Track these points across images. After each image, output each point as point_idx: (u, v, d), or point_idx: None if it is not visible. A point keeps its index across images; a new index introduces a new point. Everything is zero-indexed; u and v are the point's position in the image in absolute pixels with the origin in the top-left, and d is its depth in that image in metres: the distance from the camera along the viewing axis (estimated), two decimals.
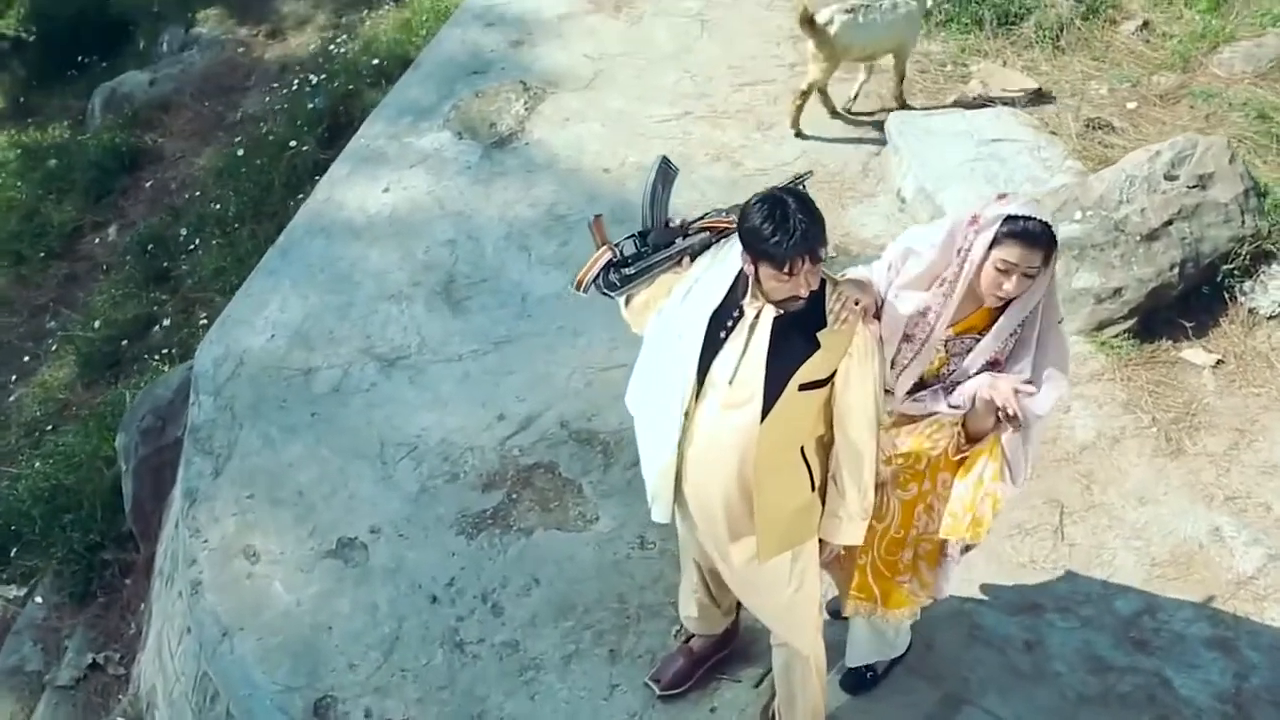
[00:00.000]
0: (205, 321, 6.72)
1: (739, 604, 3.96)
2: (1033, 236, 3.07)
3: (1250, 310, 5.60)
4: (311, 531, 4.84)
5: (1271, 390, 5.31)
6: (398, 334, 5.66)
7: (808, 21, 6.32)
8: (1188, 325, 5.53)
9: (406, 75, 7.30)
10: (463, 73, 7.24)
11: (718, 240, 3.33)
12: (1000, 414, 3.24)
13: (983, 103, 6.73)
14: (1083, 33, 7.27)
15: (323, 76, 8.10)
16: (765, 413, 3.21)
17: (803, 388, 3.22)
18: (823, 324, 3.19)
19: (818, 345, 3.19)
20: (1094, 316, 5.51)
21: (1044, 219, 3.12)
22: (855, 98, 6.91)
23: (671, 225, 3.32)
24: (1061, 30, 7.31)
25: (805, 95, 6.61)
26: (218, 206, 7.59)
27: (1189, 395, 5.31)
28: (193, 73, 9.32)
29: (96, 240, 8.46)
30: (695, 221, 3.35)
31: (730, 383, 3.24)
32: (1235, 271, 5.61)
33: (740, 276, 3.23)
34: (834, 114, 6.80)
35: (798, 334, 3.19)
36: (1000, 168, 6.23)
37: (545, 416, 5.24)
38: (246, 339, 5.65)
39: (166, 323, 7.25)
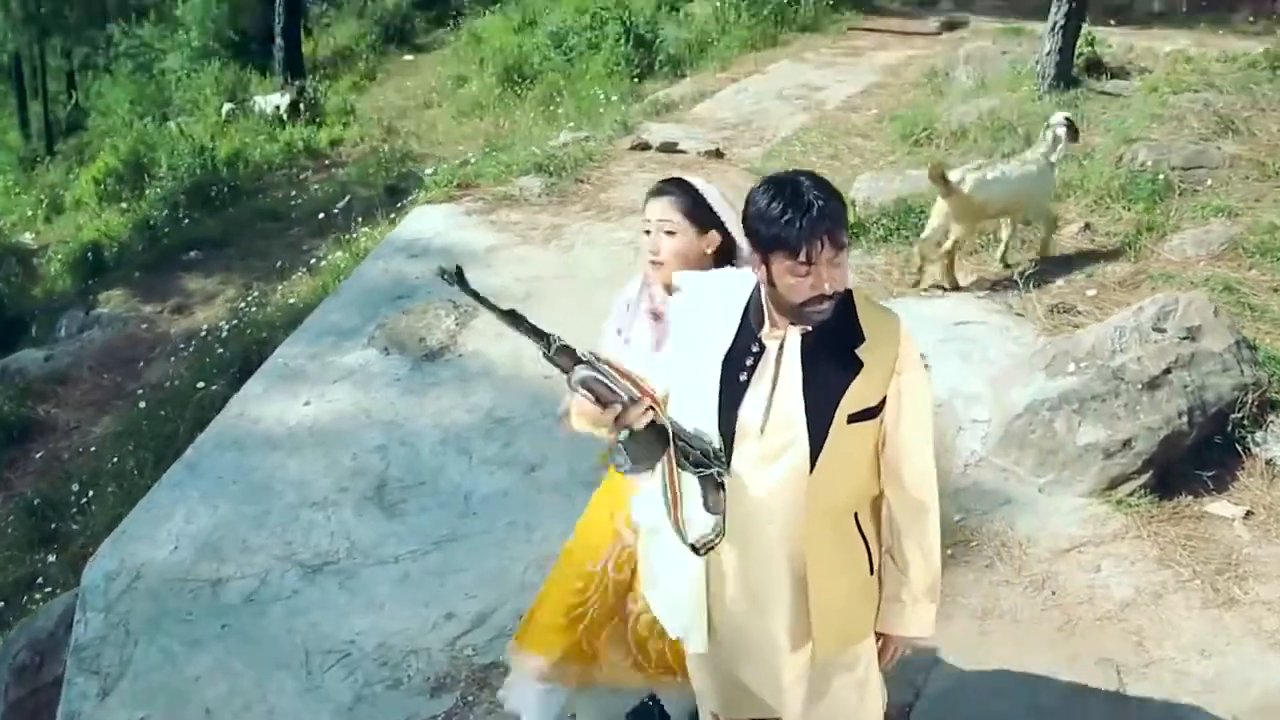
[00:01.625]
0: None
1: None
2: (655, 190, 3.16)
3: (1268, 461, 5.12)
4: None
5: None
6: (323, 540, 4.93)
7: (941, 178, 6.39)
8: (1206, 477, 5.03)
9: (326, 302, 6.84)
10: (387, 298, 6.79)
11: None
12: None
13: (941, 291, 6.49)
14: (1025, 234, 7.11)
15: (234, 323, 7.60)
16: (814, 460, 2.59)
17: (851, 419, 2.61)
18: (859, 340, 2.62)
19: (860, 364, 2.61)
20: (1105, 474, 4.98)
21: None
22: (1004, 254, 6.94)
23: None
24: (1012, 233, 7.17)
25: (951, 254, 6.59)
26: (115, 460, 6.85)
27: (1225, 547, 4.74)
28: (92, 347, 8.78)
29: None
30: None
31: (763, 431, 2.61)
32: (1245, 421, 5.17)
33: (749, 308, 2.68)
34: (955, 286, 6.67)
35: (834, 355, 2.61)
36: (973, 346, 5.89)
37: (501, 612, 4.48)
38: (145, 552, 4.87)
39: (49, 590, 6.35)
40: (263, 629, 4.48)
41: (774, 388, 2.61)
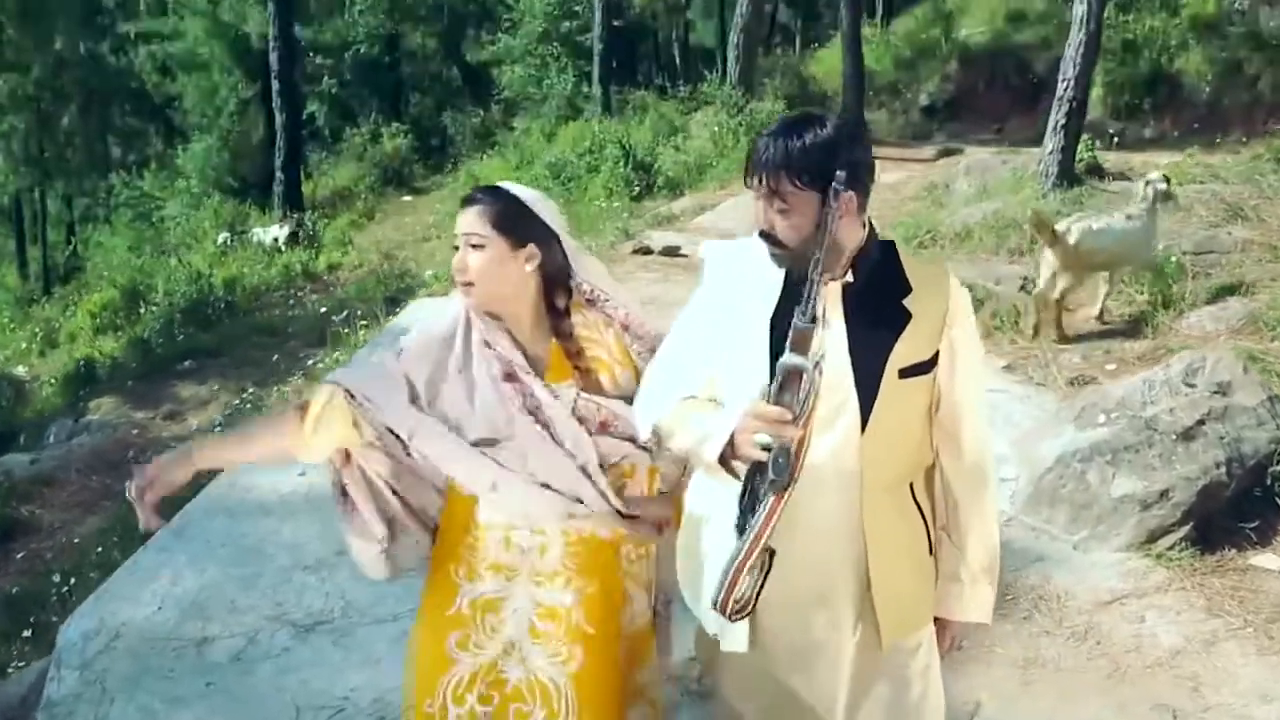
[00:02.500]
0: None
1: None
2: (464, 199, 2.63)
3: None
4: None
5: None
6: (316, 600, 4.63)
7: (1047, 229, 6.55)
8: (1248, 530, 4.78)
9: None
10: None
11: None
12: None
13: None
14: (1041, 318, 6.97)
15: (228, 413, 7.37)
16: (865, 420, 2.38)
17: (903, 374, 2.39)
18: (905, 291, 2.43)
19: (908, 316, 2.41)
20: (1143, 526, 4.73)
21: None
22: (1101, 311, 7.01)
23: None
24: (1018, 316, 7.05)
25: (1059, 304, 6.73)
26: (100, 551, 6.56)
27: (1276, 597, 4.47)
28: (80, 451, 8.52)
29: None
30: None
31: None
32: None
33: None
34: (1064, 338, 6.78)
35: (879, 307, 2.41)
36: (994, 411, 5.60)
37: None
38: (126, 611, 4.55)
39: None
40: (250, 686, 4.15)
41: (822, 345, 2.41)
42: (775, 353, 2.40)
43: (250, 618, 4.52)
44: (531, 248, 2.55)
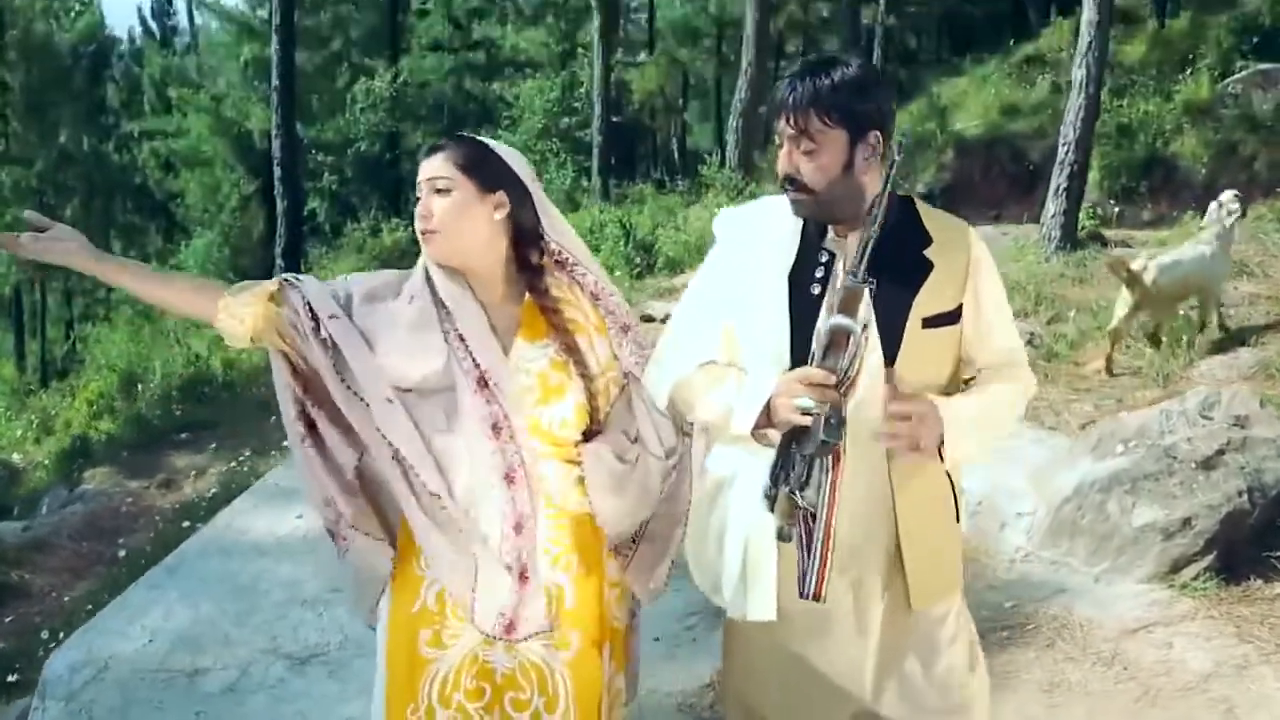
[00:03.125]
0: None
1: None
2: (429, 147, 2.47)
3: None
4: None
5: None
6: (312, 634, 4.48)
7: (1123, 268, 6.79)
8: (1274, 559, 4.63)
9: None
10: None
11: None
12: None
13: None
14: (1048, 370, 6.90)
15: (221, 491, 7.25)
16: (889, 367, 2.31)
17: (926, 324, 2.32)
18: (926, 242, 2.36)
19: (930, 265, 2.34)
20: (1166, 556, 4.59)
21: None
22: (1221, 322, 7.17)
23: None
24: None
25: (1117, 336, 6.97)
26: (90, 609, 6.37)
27: None
28: (73, 519, 8.36)
29: None
30: None
31: None
32: None
33: (808, 220, 2.42)
34: (1109, 370, 6.96)
35: (901, 257, 2.35)
36: (1007, 454, 5.53)
37: None
38: (115, 645, 4.41)
39: None
40: (242, 717, 3.99)
41: None
42: (793, 311, 2.34)
43: (244, 650, 4.37)
44: (501, 195, 2.39)
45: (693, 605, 4.59)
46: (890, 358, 2.30)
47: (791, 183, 2.34)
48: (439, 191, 2.36)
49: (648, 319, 9.52)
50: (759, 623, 2.42)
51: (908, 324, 2.31)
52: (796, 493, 2.11)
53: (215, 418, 10.34)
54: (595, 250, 13.49)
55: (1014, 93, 17.94)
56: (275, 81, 18.04)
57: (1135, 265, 6.83)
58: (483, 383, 2.35)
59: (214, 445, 9.32)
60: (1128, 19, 19.14)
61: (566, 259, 2.50)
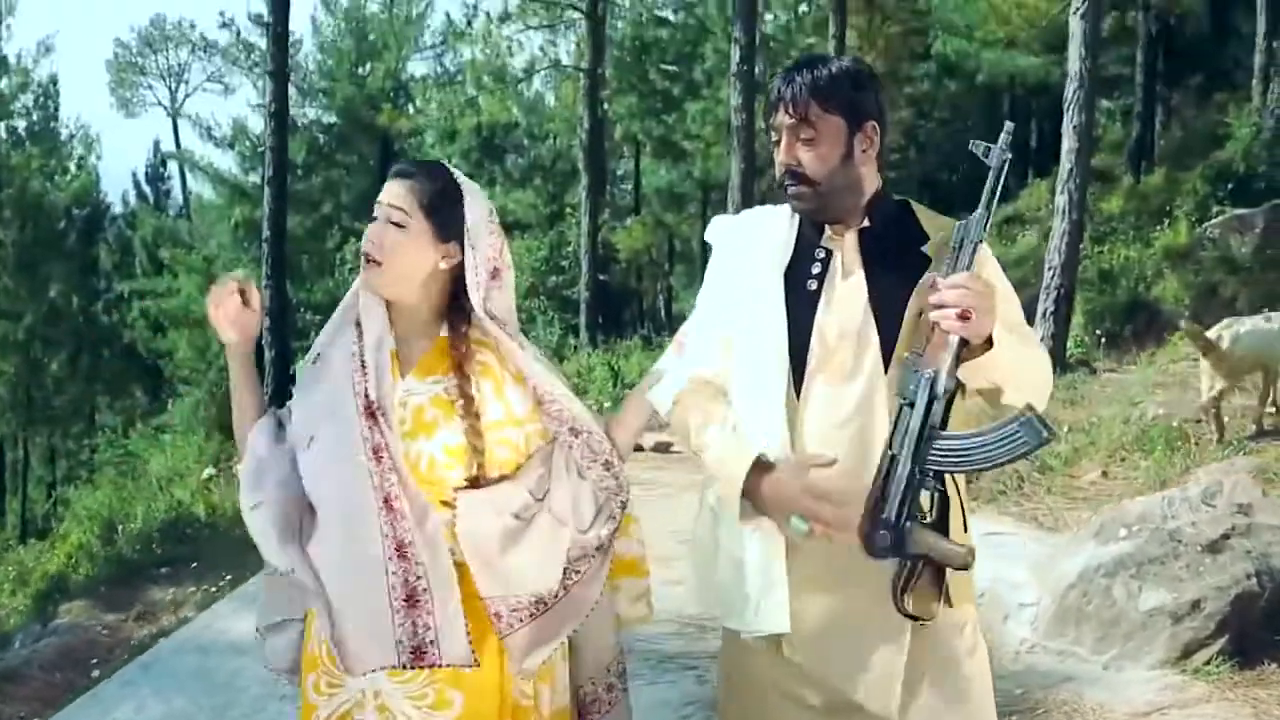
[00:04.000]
0: None
1: None
2: (397, 170, 2.34)
3: None
4: None
5: None
6: None
7: (1200, 338, 7.00)
8: None
9: None
10: None
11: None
12: None
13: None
14: (1044, 482, 6.83)
15: (202, 610, 7.04)
16: (887, 362, 2.24)
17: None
18: (923, 238, 2.34)
19: (928, 260, 2.32)
20: (1176, 641, 4.45)
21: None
22: (1262, 416, 7.37)
23: None
24: (1023, 481, 6.90)
25: (1216, 403, 7.13)
26: None
27: None
28: (46, 651, 8.05)
29: None
30: None
31: (836, 343, 2.28)
32: None
33: (804, 222, 2.42)
34: (1221, 440, 7.12)
35: (898, 253, 2.32)
36: (1006, 549, 5.48)
37: None
38: None
39: None
40: None
41: (843, 292, 2.31)
42: (790, 309, 2.31)
43: None
44: (454, 246, 2.28)
45: (689, 695, 4.44)
46: (889, 353, 2.25)
47: (792, 176, 2.33)
48: (394, 223, 2.24)
49: (638, 448, 9.44)
50: (768, 643, 2.30)
51: (906, 318, 2.27)
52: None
53: (195, 554, 10.10)
54: (582, 393, 13.45)
55: (996, 249, 18.19)
56: (266, 242, 18.23)
57: (1211, 335, 7.03)
58: (369, 411, 2.24)
59: (193, 580, 9.08)
60: (1104, 178, 19.64)
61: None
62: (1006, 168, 2.13)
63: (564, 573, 2.32)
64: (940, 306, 2.03)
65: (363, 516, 2.20)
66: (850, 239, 2.33)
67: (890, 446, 2.10)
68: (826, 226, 2.36)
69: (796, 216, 2.41)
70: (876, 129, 2.32)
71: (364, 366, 2.27)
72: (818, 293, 2.31)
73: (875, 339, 2.25)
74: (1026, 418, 2.04)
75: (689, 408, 2.40)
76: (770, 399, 2.29)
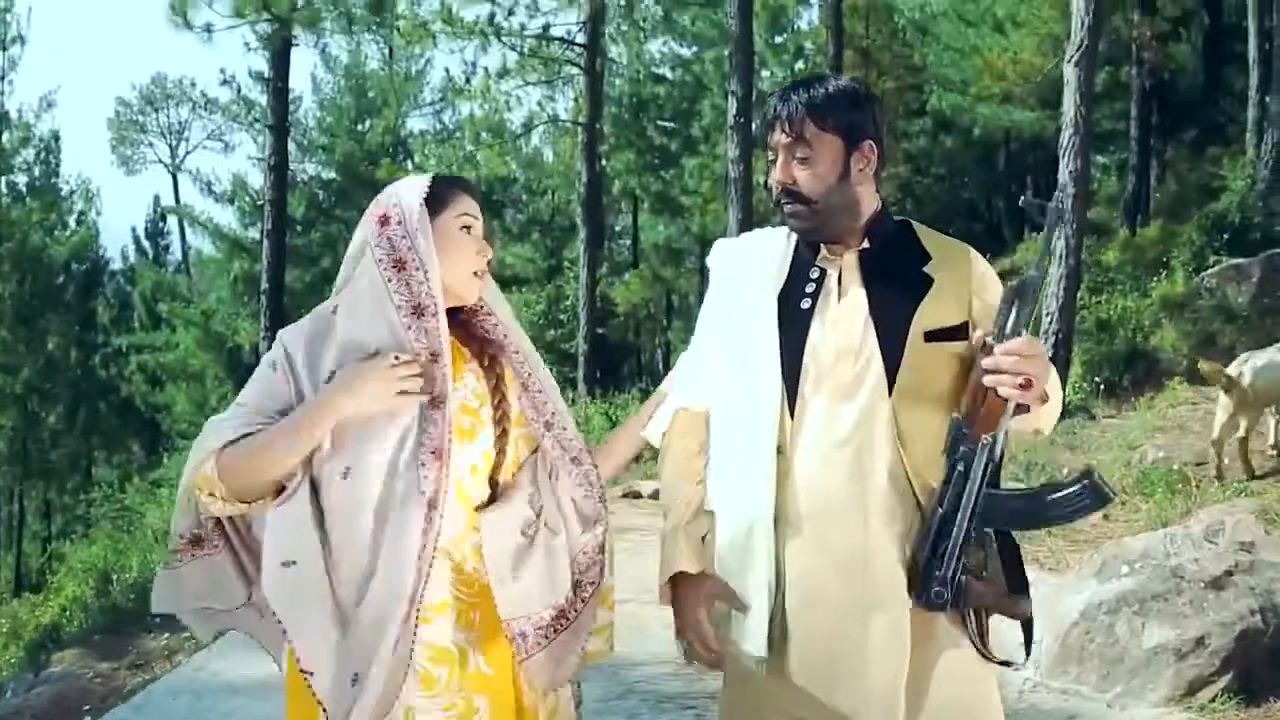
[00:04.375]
0: None
1: None
2: (466, 182, 2.35)
3: None
4: None
5: None
6: None
7: (1219, 374, 7.06)
8: None
9: None
10: None
11: None
12: None
13: None
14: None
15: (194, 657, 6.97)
16: (891, 382, 2.23)
17: (929, 337, 2.26)
18: (925, 259, 2.34)
19: (930, 280, 2.31)
20: (1181, 678, 4.42)
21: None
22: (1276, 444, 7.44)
23: None
24: None
25: (1245, 443, 7.11)
26: None
27: None
28: (38, 700, 7.97)
29: None
30: None
31: (836, 358, 2.28)
32: None
33: (799, 243, 2.42)
34: (1252, 475, 7.17)
35: (900, 272, 2.33)
36: None
37: None
38: None
39: None
40: None
41: (840, 311, 2.31)
42: (783, 328, 2.31)
43: None
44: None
45: None
46: (893, 370, 2.24)
47: (788, 195, 2.33)
48: (483, 237, 2.29)
49: (635, 495, 9.43)
50: (769, 665, 2.28)
51: (909, 338, 2.25)
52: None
53: None
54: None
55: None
56: (264, 295, 18.27)
57: (1231, 370, 7.06)
58: (436, 402, 2.16)
59: (186, 628, 9.00)
60: (1100, 230, 19.71)
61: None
62: (1059, 225, 2.13)
63: (578, 585, 2.30)
64: (996, 371, 2.03)
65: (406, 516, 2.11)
66: (850, 259, 2.33)
67: (941, 504, 2.11)
68: (823, 246, 2.36)
69: (794, 237, 2.42)
70: (874, 149, 2.33)
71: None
72: (810, 310, 2.31)
73: (878, 358, 2.24)
74: (1090, 480, 2.05)
75: (670, 450, 2.42)
76: (763, 417, 2.28)
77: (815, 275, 2.34)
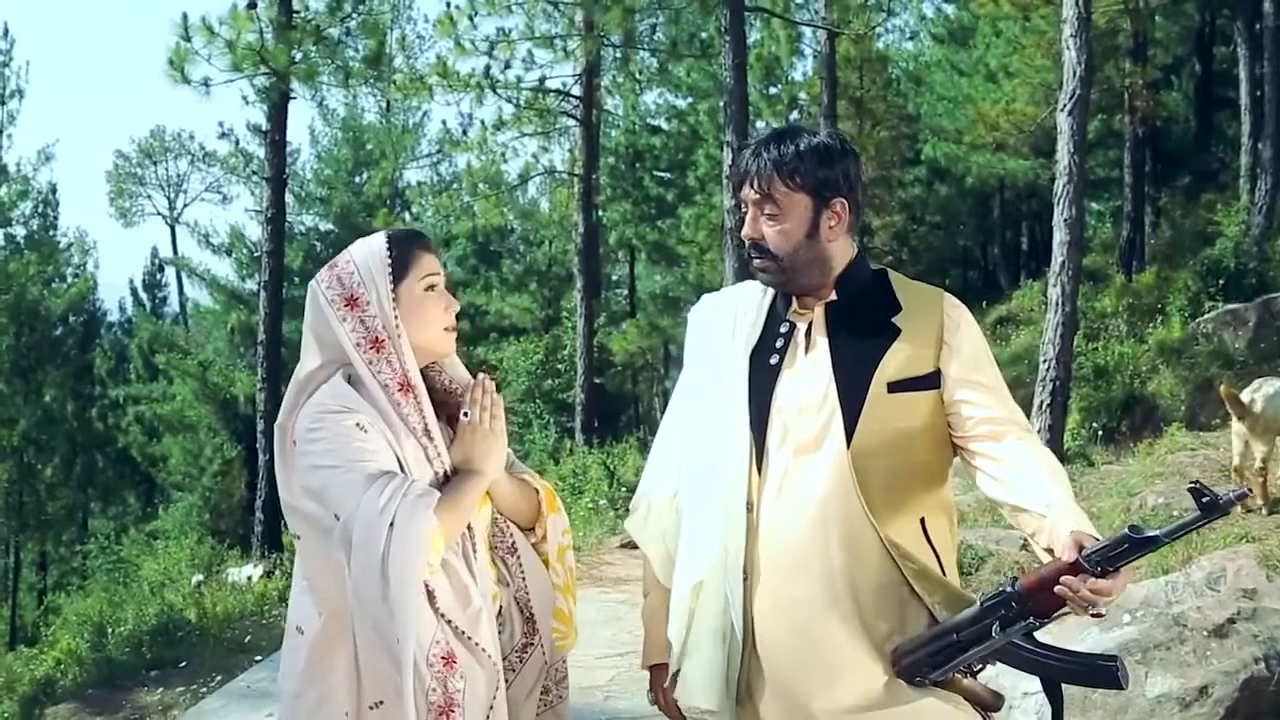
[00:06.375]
0: None
1: None
2: (421, 236, 2.38)
3: None
4: None
5: None
6: None
7: (1236, 402, 6.96)
8: None
9: None
10: None
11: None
12: None
13: None
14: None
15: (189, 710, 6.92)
16: (850, 434, 2.24)
17: (893, 388, 2.26)
18: (895, 309, 2.35)
19: (896, 331, 2.31)
20: None
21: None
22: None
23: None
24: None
25: (1264, 471, 6.99)
26: None
27: None
28: None
29: None
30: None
31: (800, 411, 2.29)
32: None
33: (777, 296, 2.44)
34: (1274, 505, 7.08)
35: (866, 323, 2.34)
36: None
37: None
38: None
39: None
40: None
41: (807, 365, 2.33)
42: (752, 383, 2.32)
43: None
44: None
45: None
46: (852, 422, 2.24)
47: (756, 250, 2.35)
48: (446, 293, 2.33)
49: (632, 546, 9.39)
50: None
51: (870, 389, 2.25)
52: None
53: (185, 656, 9.96)
54: (579, 493, 13.42)
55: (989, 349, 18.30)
56: (261, 346, 18.26)
57: (1245, 397, 7.01)
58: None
59: (182, 681, 8.93)
60: (1096, 277, 19.78)
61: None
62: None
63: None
64: (1076, 591, 2.00)
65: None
66: (819, 311, 2.35)
67: (958, 633, 2.13)
68: (794, 299, 2.38)
69: (770, 290, 2.43)
70: (845, 205, 2.32)
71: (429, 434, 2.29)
72: (779, 367, 2.32)
73: (839, 413, 2.24)
74: (1119, 663, 2.09)
75: (646, 541, 2.56)
76: (733, 473, 2.31)
77: (784, 330, 2.36)
